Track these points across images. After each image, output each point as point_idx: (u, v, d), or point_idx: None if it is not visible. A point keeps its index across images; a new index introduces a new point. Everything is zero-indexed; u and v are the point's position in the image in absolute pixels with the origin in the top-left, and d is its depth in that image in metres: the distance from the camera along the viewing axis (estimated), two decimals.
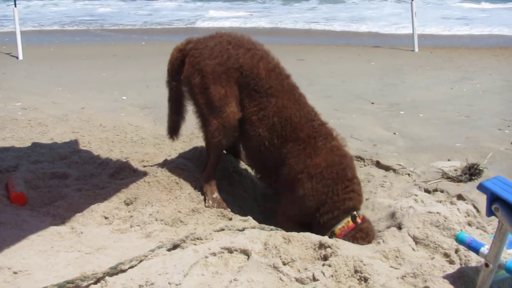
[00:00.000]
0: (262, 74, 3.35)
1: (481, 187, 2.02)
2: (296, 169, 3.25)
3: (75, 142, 4.87)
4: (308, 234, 2.82)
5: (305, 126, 3.31)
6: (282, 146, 3.33)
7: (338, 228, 3.15)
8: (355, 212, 3.18)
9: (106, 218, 3.21)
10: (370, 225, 3.21)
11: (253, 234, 2.75)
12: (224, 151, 3.79)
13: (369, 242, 3.05)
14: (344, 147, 3.37)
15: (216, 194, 3.49)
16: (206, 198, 3.47)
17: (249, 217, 3.07)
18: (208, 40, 3.52)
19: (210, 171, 3.57)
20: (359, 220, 3.16)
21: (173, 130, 3.92)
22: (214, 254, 2.57)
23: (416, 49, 11.28)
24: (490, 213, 2.02)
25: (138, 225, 3.06)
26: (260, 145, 3.39)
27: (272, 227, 2.93)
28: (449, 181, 3.77)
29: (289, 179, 3.29)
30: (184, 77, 3.55)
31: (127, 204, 3.39)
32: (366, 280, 2.36)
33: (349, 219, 3.15)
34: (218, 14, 20.41)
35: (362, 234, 3.10)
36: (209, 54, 3.41)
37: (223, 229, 2.83)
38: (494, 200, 1.98)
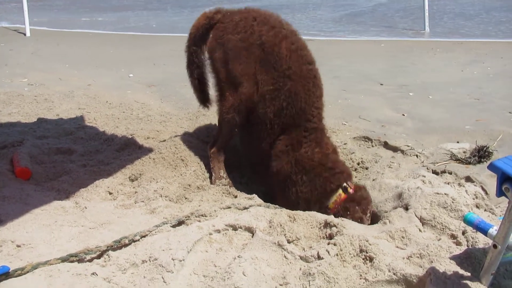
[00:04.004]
0: (283, 53, 3.27)
1: (492, 167, 1.97)
2: (282, 169, 3.24)
3: (81, 118, 4.85)
4: (313, 213, 2.79)
5: (298, 126, 3.27)
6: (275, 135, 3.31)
7: (331, 202, 3.11)
8: (345, 184, 3.13)
9: (110, 193, 3.20)
10: (365, 193, 3.16)
11: (258, 211, 2.72)
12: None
13: (363, 211, 3.03)
14: (328, 151, 3.29)
15: (223, 172, 3.46)
16: (213, 175, 3.44)
17: (255, 195, 3.05)
18: (234, 14, 3.45)
19: (220, 146, 3.51)
20: (351, 190, 3.12)
21: (203, 98, 3.82)
22: (218, 231, 2.55)
23: (427, 29, 11.12)
24: (500, 193, 1.97)
25: (143, 201, 3.04)
26: (262, 125, 3.33)
27: (277, 206, 2.90)
28: (458, 163, 3.72)
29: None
30: (208, 50, 3.52)
31: (132, 180, 3.38)
32: (371, 259, 2.33)
33: (340, 191, 3.12)
34: None
35: (353, 203, 3.06)
36: (232, 29, 3.35)
37: (229, 207, 2.80)
38: (505, 180, 1.93)
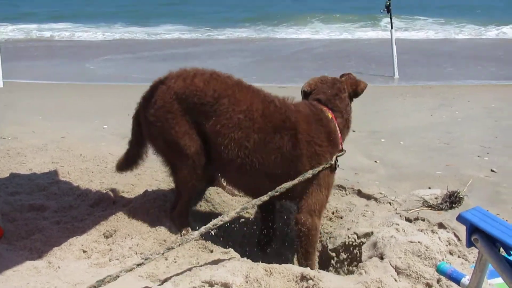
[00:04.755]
0: (200, 86, 3.21)
1: (461, 218, 2.02)
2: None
3: (54, 173, 4.81)
4: (289, 266, 2.80)
5: (274, 112, 3.20)
6: (265, 142, 3.16)
7: None
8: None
9: (84, 251, 3.16)
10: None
11: (234, 266, 2.72)
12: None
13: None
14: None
15: (191, 232, 3.35)
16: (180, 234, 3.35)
17: (230, 249, 3.04)
18: (149, 92, 3.47)
19: (183, 210, 3.46)
20: None
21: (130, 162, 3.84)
22: None
23: (396, 75, 11.43)
24: (470, 244, 2.02)
25: (117, 259, 3.01)
26: (245, 159, 3.17)
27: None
28: (430, 209, 3.77)
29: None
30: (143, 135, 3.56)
31: (106, 237, 3.34)
32: None
33: None
34: None
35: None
36: (148, 103, 3.36)
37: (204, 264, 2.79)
38: (474, 231, 1.98)
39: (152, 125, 3.33)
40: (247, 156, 3.14)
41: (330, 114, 3.33)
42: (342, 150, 3.37)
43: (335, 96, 3.42)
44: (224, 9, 31.66)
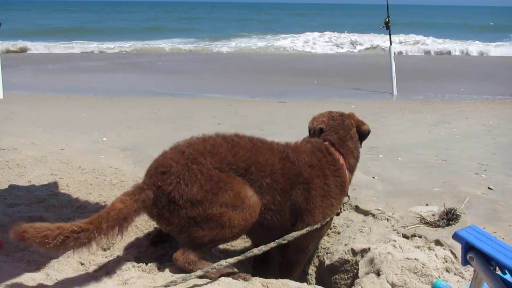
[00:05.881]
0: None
1: (456, 237, 2.04)
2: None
3: (53, 185, 4.82)
4: (286, 281, 2.81)
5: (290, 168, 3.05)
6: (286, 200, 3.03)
7: None
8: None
9: (82, 264, 3.16)
10: None
11: (231, 282, 2.72)
12: None
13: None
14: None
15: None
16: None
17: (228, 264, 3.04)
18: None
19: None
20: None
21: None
22: None
23: (395, 92, 11.50)
24: (465, 262, 2.04)
25: (115, 272, 3.01)
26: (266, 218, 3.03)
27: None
28: (427, 226, 3.79)
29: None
30: None
31: (104, 250, 3.34)
32: None
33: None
34: None
35: None
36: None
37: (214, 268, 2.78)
38: (469, 250, 2.01)
39: None
40: (268, 215, 3.04)
41: (341, 160, 3.23)
42: (347, 195, 3.35)
43: (346, 136, 3.34)
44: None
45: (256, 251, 2.89)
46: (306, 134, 3.50)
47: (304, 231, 3.00)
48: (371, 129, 3.48)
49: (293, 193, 3.00)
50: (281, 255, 3.19)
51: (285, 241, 2.95)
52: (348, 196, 3.36)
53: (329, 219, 3.15)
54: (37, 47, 24.13)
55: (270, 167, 2.96)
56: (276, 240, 2.93)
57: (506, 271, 1.93)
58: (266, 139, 3.17)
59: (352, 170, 3.34)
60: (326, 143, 3.27)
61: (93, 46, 25.09)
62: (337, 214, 3.30)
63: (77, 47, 24.81)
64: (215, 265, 2.75)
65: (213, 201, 2.76)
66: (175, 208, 2.76)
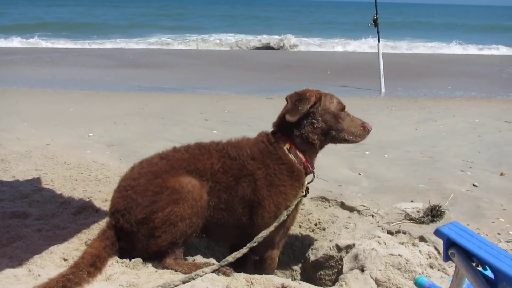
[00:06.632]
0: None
1: (438, 233, 2.05)
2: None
3: (37, 180, 4.77)
4: (270, 276, 2.81)
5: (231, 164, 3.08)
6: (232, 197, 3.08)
7: None
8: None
9: (65, 260, 3.12)
10: None
11: (215, 276, 2.72)
12: None
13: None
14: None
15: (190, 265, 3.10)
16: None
17: (211, 259, 3.04)
18: None
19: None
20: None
21: None
22: None
23: (383, 89, 11.54)
24: (447, 258, 2.05)
25: None
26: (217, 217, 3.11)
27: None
28: (412, 222, 3.81)
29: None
30: None
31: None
32: None
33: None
34: None
35: None
36: None
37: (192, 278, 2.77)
38: (451, 246, 2.01)
39: None
40: (220, 214, 3.11)
41: (287, 145, 3.14)
42: (313, 173, 3.23)
43: (282, 117, 3.20)
44: None
45: (230, 259, 2.90)
46: None
47: (272, 227, 2.99)
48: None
49: (239, 188, 3.05)
50: (253, 252, 3.18)
51: (255, 244, 2.96)
52: (313, 174, 3.23)
53: (289, 209, 3.07)
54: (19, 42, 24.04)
55: (209, 170, 3.05)
56: (248, 244, 2.95)
57: (487, 267, 1.94)
58: (205, 142, 3.23)
59: (305, 149, 3.16)
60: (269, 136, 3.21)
61: (80, 41, 24.96)
62: (304, 196, 3.20)
63: (62, 42, 24.69)
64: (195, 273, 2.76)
65: (156, 210, 2.91)
66: (131, 234, 2.98)
